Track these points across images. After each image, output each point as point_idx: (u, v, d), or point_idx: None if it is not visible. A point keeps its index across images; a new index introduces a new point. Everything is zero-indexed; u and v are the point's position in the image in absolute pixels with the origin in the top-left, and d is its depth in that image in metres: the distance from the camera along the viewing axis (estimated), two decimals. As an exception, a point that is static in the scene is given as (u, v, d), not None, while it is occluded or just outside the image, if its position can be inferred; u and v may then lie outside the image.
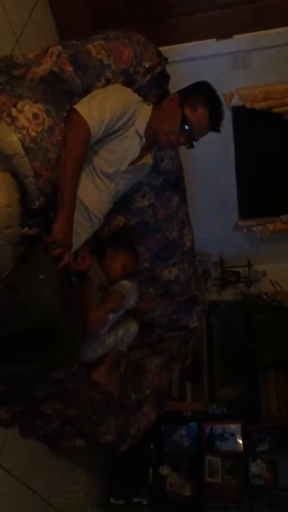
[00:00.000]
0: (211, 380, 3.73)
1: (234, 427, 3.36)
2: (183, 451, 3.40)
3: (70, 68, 1.58)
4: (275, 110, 3.06)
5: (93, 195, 1.73)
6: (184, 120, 1.69)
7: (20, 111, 1.41)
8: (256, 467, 3.26)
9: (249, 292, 4.14)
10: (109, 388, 2.25)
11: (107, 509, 3.21)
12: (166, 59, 1.87)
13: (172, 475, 3.31)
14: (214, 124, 1.75)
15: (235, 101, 3.11)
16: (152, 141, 1.80)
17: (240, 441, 3.30)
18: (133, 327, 2.33)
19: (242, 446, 3.29)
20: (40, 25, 2.65)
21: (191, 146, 1.77)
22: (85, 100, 1.59)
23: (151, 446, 3.33)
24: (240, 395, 3.72)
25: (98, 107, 1.56)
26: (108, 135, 1.66)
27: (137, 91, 1.79)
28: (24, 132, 1.40)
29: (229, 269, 4.25)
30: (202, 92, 1.74)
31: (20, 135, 1.39)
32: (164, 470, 3.29)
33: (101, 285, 2.10)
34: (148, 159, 1.88)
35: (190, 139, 1.75)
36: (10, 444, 2.14)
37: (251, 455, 3.28)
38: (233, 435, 3.33)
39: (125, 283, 2.17)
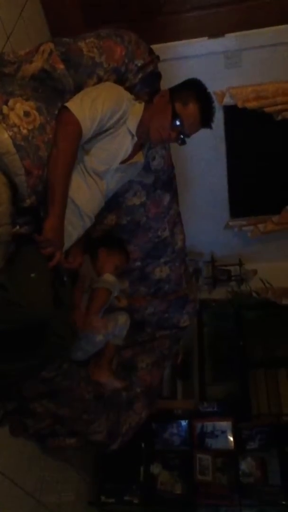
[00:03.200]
0: (201, 378, 3.74)
1: (225, 424, 3.37)
2: (174, 449, 3.42)
3: (61, 66, 1.58)
4: (267, 109, 3.06)
5: (85, 193, 1.72)
6: (175, 116, 1.69)
7: (11, 109, 1.40)
8: (246, 464, 3.29)
9: (240, 290, 4.15)
10: (115, 386, 2.23)
11: (98, 507, 3.22)
12: (158, 57, 1.87)
13: (163, 473, 3.32)
14: (205, 119, 1.75)
15: (227, 100, 3.10)
16: (143, 139, 1.80)
17: (231, 439, 3.32)
18: (122, 319, 2.28)
19: (232, 444, 3.31)
20: (31, 22, 2.63)
21: (183, 142, 1.77)
22: (76, 98, 1.59)
23: (142, 445, 3.33)
24: (230, 393, 3.74)
25: (89, 105, 1.55)
26: (100, 133, 1.66)
27: (129, 89, 1.79)
28: (15, 129, 1.39)
29: (220, 268, 4.25)
30: (193, 88, 1.75)
31: (11, 133, 1.38)
32: (155, 469, 3.30)
33: (92, 284, 2.09)
34: (140, 157, 1.88)
35: (181, 135, 1.75)
36: (0, 443, 2.13)
37: (241, 452, 3.30)
38: (223, 432, 3.34)
39: (107, 276, 2.14)
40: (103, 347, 2.21)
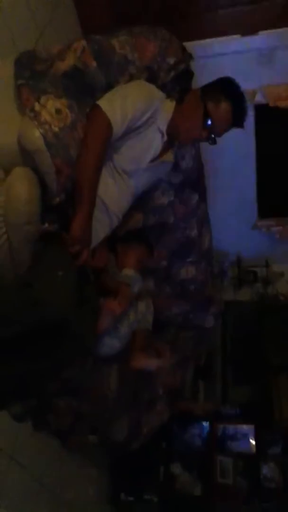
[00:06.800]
0: (224, 380, 3.70)
1: (247, 428, 3.33)
2: (195, 450, 3.39)
3: (93, 63, 1.57)
4: (299, 109, 3.01)
5: (113, 192, 1.71)
6: (206, 115, 1.67)
7: (43, 106, 1.41)
8: (268, 469, 3.23)
9: (266, 292, 4.09)
10: (156, 366, 2.18)
11: (118, 505, 3.22)
12: (190, 55, 1.84)
13: (183, 474, 3.30)
14: (237, 119, 1.72)
15: (258, 99, 3.05)
16: (173, 138, 1.78)
17: (253, 442, 3.28)
18: (142, 305, 2.22)
19: (254, 448, 3.27)
20: (63, 20, 2.64)
21: (214, 142, 1.74)
22: (108, 95, 1.58)
23: (163, 444, 3.32)
24: (252, 396, 3.69)
25: (120, 104, 1.54)
26: (130, 131, 1.64)
27: (160, 88, 1.76)
28: (47, 127, 1.39)
29: (246, 269, 4.20)
30: (225, 87, 1.72)
31: (42, 130, 1.38)
32: (175, 469, 3.28)
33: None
34: (169, 156, 1.85)
35: (212, 135, 1.71)
36: (23, 439, 2.15)
37: (263, 457, 3.26)
38: (245, 436, 3.30)
39: (125, 271, 2.09)
40: (133, 336, 2.18)
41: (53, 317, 1.47)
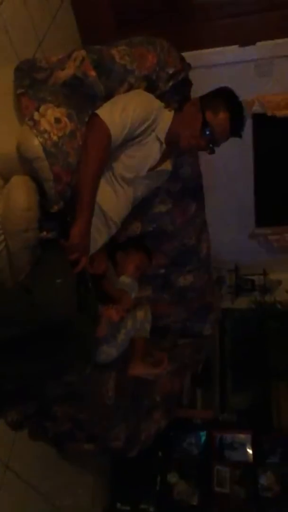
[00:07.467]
0: (222, 387, 3.70)
1: (244, 437, 3.33)
2: (192, 459, 3.38)
3: (93, 73, 1.58)
4: (297, 118, 3.03)
5: (112, 200, 1.73)
6: (205, 124, 1.68)
7: (43, 115, 1.41)
8: (265, 478, 3.22)
9: (264, 301, 4.09)
10: (155, 374, 2.20)
11: (113, 514, 3.20)
12: (189, 65, 1.86)
13: (180, 483, 3.28)
14: (236, 128, 1.74)
15: (256, 108, 3.08)
16: (172, 146, 1.79)
17: (250, 452, 3.27)
18: (140, 314, 2.23)
19: (251, 457, 3.26)
20: (63, 29, 2.65)
21: (212, 151, 1.75)
22: (107, 105, 1.59)
23: (160, 453, 3.30)
24: (251, 403, 3.69)
25: (120, 113, 1.55)
26: (129, 140, 1.66)
27: (159, 97, 1.78)
28: (46, 136, 1.40)
29: (244, 277, 4.21)
30: (224, 97, 1.73)
31: (41, 139, 1.39)
32: (172, 478, 3.27)
33: None
34: (168, 165, 1.87)
35: (210, 144, 1.73)
36: (19, 447, 2.14)
37: (261, 466, 3.25)
38: (243, 445, 3.29)
39: (123, 278, 2.12)
40: (131, 344, 2.18)
41: (52, 322, 1.47)
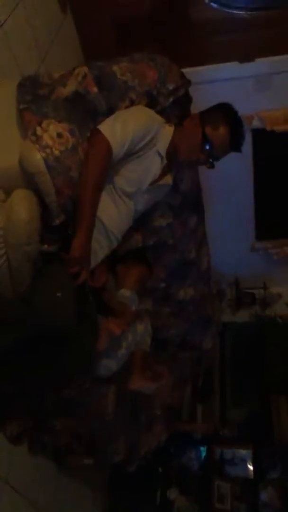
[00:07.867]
0: (222, 401, 3.68)
1: (245, 452, 3.30)
2: (192, 474, 3.34)
3: (95, 89, 1.61)
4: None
5: (113, 213, 1.74)
6: (205, 139, 1.70)
7: (45, 130, 1.44)
8: (266, 494, 3.19)
9: (264, 314, 4.09)
10: (153, 388, 2.17)
11: (112, 530, 3.16)
12: (189, 81, 1.89)
13: (180, 499, 3.25)
14: (235, 143, 1.76)
15: (255, 123, 3.11)
16: (173, 161, 1.81)
17: (251, 467, 3.24)
18: (140, 327, 2.22)
19: (252, 473, 3.23)
20: (65, 45, 2.70)
21: (212, 165, 1.77)
22: (108, 120, 1.61)
23: (160, 469, 3.27)
24: (251, 417, 3.66)
25: (121, 128, 1.57)
26: (130, 155, 1.68)
27: (160, 113, 1.80)
28: (48, 151, 1.42)
29: (244, 291, 4.21)
30: (223, 112, 1.76)
31: (44, 154, 1.41)
32: (172, 493, 3.23)
33: None
34: (168, 179, 1.88)
35: (210, 159, 1.75)
36: (17, 461, 2.12)
37: (261, 481, 3.21)
38: (243, 460, 3.26)
39: (123, 291, 2.10)
40: (131, 357, 2.17)
41: (52, 331, 1.47)
